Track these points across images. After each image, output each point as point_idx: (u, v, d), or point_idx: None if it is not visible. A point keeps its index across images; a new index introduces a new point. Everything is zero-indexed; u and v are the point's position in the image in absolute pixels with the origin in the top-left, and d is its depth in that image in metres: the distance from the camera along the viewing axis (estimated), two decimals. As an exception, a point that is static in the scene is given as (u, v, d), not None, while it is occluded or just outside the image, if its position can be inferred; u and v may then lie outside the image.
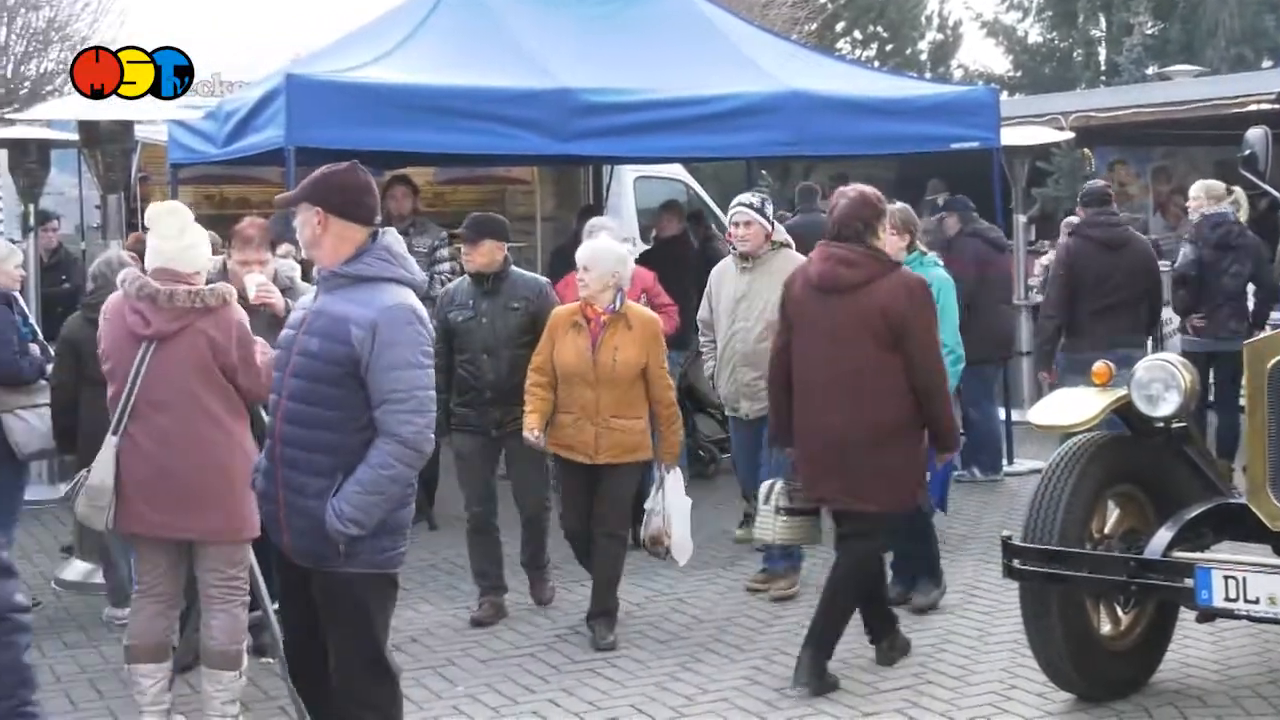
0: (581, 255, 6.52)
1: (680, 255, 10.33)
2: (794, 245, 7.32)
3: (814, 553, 7.38)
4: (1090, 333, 8.63)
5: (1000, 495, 9.52)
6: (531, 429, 6.45)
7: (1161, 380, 5.55)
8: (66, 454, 6.92)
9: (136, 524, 5.22)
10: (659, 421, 6.52)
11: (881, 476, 5.70)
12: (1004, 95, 16.81)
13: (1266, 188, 7.24)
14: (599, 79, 8.99)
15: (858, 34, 28.44)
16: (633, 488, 6.65)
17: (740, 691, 5.84)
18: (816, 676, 5.74)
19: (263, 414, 5.63)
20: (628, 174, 14.16)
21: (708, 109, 9.10)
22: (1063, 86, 24.02)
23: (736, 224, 7.18)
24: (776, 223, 7.38)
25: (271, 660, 5.88)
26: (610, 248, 6.58)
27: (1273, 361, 5.30)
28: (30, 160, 9.83)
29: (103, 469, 5.17)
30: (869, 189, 5.95)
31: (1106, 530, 5.61)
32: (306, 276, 7.07)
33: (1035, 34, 27.94)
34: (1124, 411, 5.68)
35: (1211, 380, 9.22)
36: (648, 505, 6.61)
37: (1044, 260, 11.99)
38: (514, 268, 6.97)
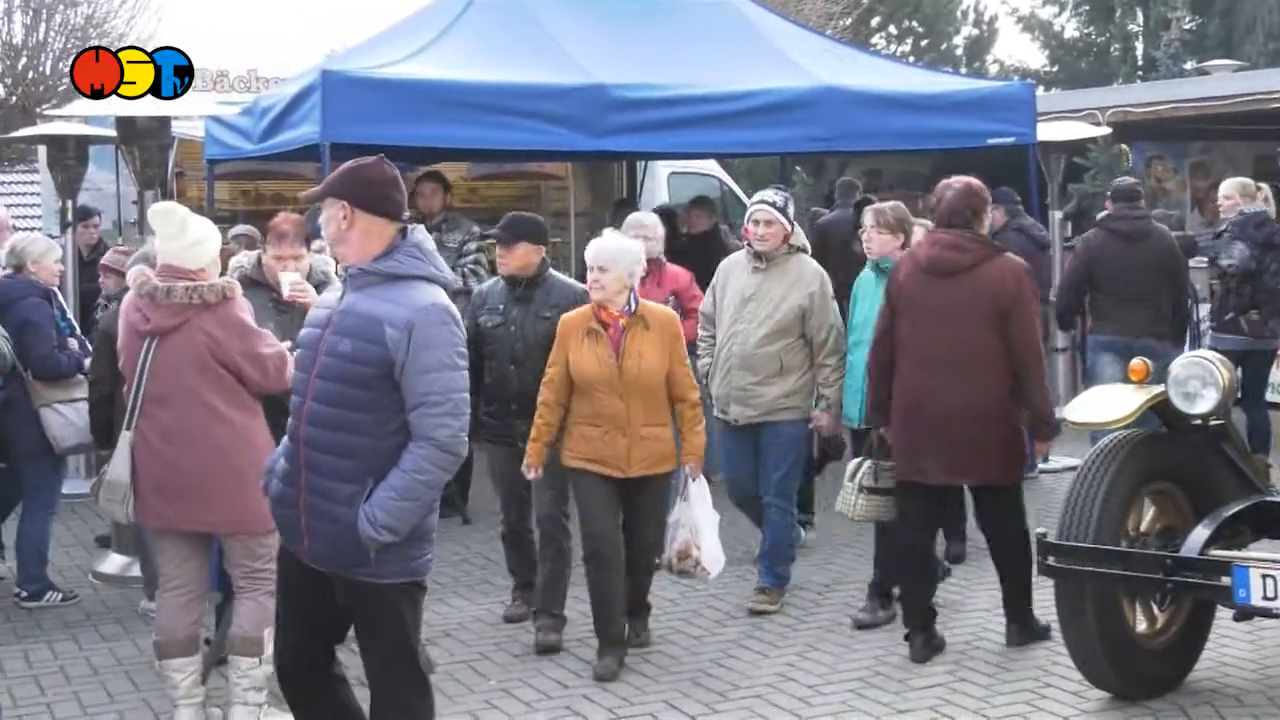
0: (597, 254, 6.03)
1: (711, 252, 10.30)
2: (822, 241, 7.27)
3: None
4: (1113, 319, 9.08)
5: (1035, 492, 9.44)
6: (531, 467, 6.10)
7: (1199, 377, 5.52)
8: (103, 448, 6.96)
9: (153, 517, 5.28)
10: (683, 422, 6.11)
11: (986, 453, 5.96)
12: (1040, 90, 16.70)
13: None
14: (633, 74, 8.99)
15: (893, 29, 28.36)
16: (666, 499, 6.29)
17: (773, 688, 5.84)
18: (1030, 638, 6.20)
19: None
20: (661, 170, 14.15)
21: (742, 104, 9.09)
22: (1100, 81, 23.87)
23: (757, 221, 6.83)
24: (796, 224, 7.07)
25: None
26: (628, 246, 6.14)
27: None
28: (68, 156, 9.90)
29: (119, 463, 5.24)
30: (974, 180, 6.23)
31: (1143, 528, 5.58)
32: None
33: (1072, 29, 27.79)
34: (1161, 409, 5.65)
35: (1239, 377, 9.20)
36: (671, 517, 6.20)
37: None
38: (553, 273, 6.60)
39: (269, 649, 5.26)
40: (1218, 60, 19.79)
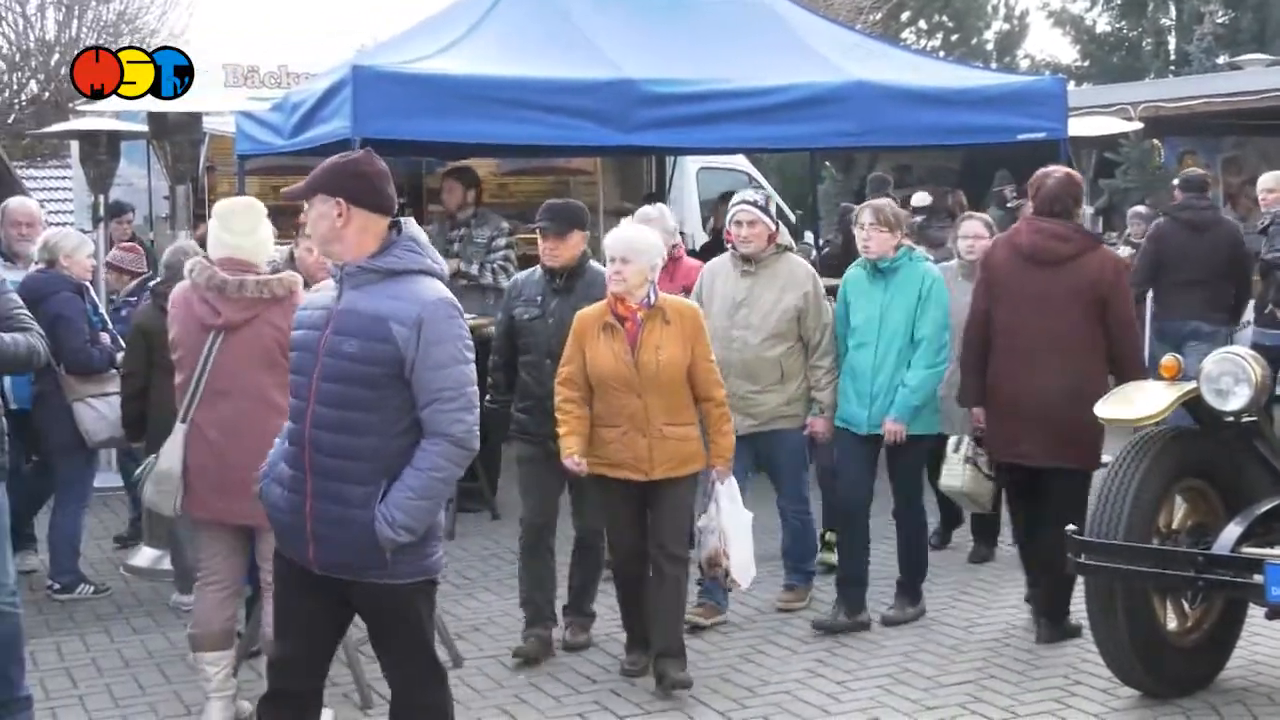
0: (617, 246, 5.70)
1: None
2: (853, 236, 7.10)
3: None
4: (1174, 305, 9.52)
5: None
6: (572, 454, 5.70)
7: (1231, 374, 5.49)
8: (134, 442, 7.00)
9: (200, 509, 5.30)
10: (709, 422, 5.79)
11: (1082, 436, 6.01)
12: (1071, 85, 16.58)
13: None
14: (662, 69, 8.98)
15: (923, 24, 28.28)
16: (691, 503, 5.92)
17: (802, 684, 5.83)
18: (1061, 635, 6.21)
19: None
20: (691, 165, 14.15)
21: (771, 99, 9.06)
22: (1131, 76, 23.74)
23: (739, 223, 6.55)
24: (780, 223, 6.86)
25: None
26: (649, 238, 5.84)
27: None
28: (100, 152, 9.95)
29: (171, 455, 5.25)
30: (1072, 170, 6.44)
31: (1174, 525, 5.55)
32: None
33: (1103, 23, 27.64)
34: (1193, 405, 5.62)
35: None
36: (700, 523, 5.93)
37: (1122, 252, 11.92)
38: (593, 263, 6.27)
39: None
40: (1250, 55, 19.65)
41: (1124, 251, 11.68)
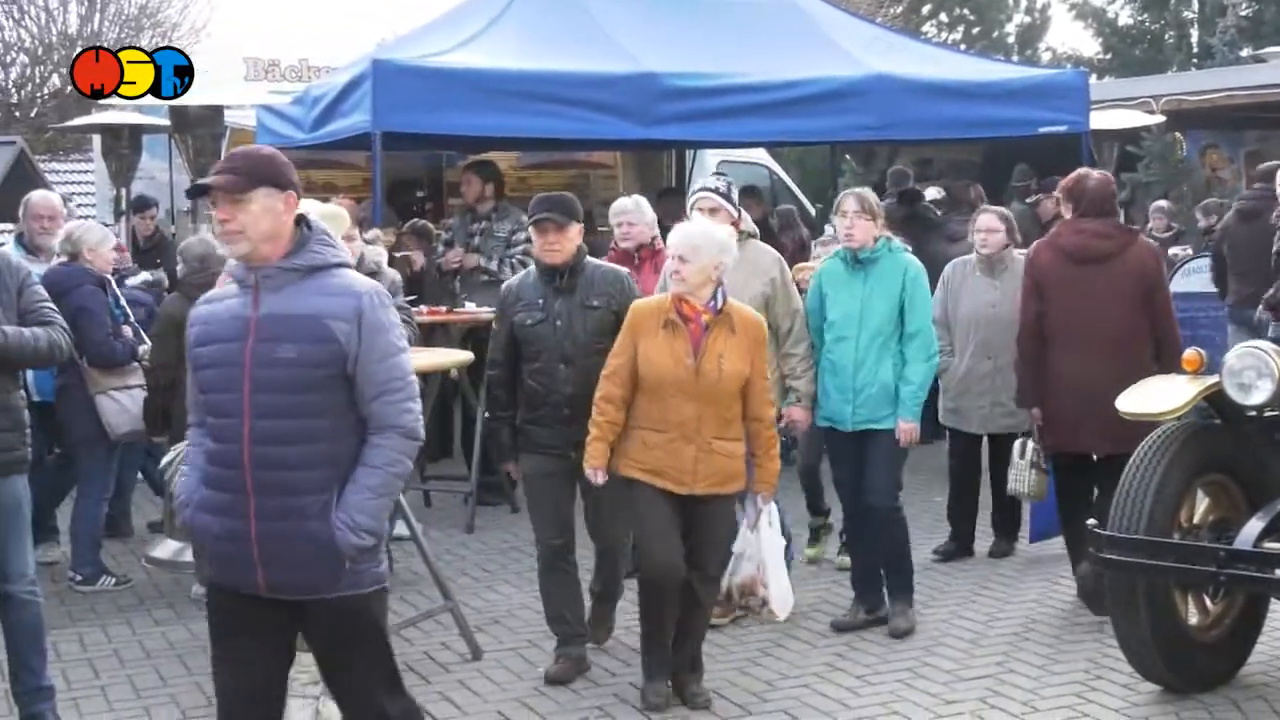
0: (677, 242, 5.40)
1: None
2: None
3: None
4: (1236, 292, 9.88)
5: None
6: (597, 467, 5.42)
7: (1254, 368, 5.46)
8: (156, 436, 7.03)
9: None
10: (757, 443, 5.48)
11: (1137, 423, 5.95)
12: (1093, 78, 16.51)
13: None
14: (682, 63, 8.98)
15: (944, 17, 28.18)
16: (731, 524, 5.61)
17: (821, 678, 5.83)
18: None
19: None
20: (711, 159, 14.12)
21: (792, 93, 9.07)
22: (1154, 69, 23.61)
23: (701, 210, 6.23)
24: (744, 210, 6.61)
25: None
26: (712, 233, 5.48)
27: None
28: (123, 145, 10.01)
29: None
30: (1106, 171, 6.83)
31: (1195, 520, 5.54)
32: (392, 263, 7.16)
33: (1125, 16, 27.49)
34: (1215, 399, 5.59)
35: None
36: (736, 548, 5.63)
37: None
38: (589, 258, 5.94)
39: None
40: (1274, 47, 19.52)
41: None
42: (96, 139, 11.94)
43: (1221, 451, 5.60)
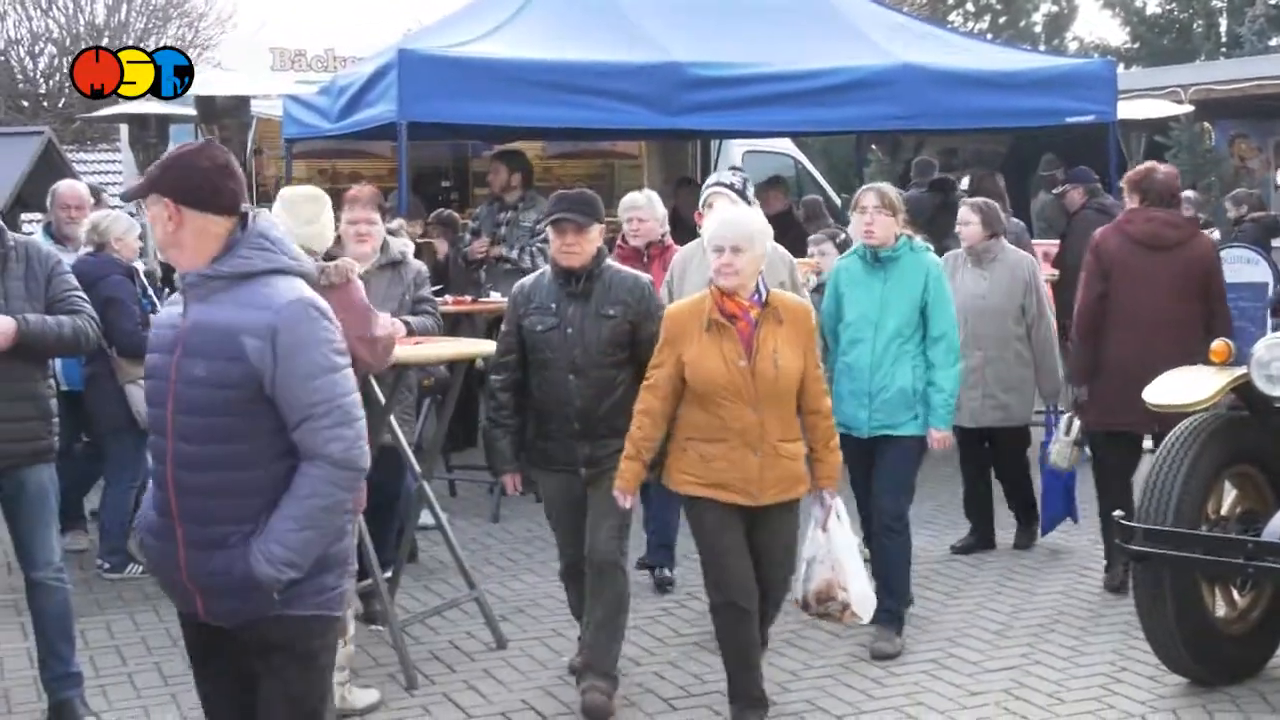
0: (725, 233, 4.95)
1: (785, 233, 10.27)
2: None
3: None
4: None
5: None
6: (626, 491, 5.03)
7: (1283, 359, 5.43)
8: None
9: None
10: (817, 436, 5.08)
11: None
12: (1121, 68, 16.45)
13: None
14: (707, 53, 8.98)
15: (970, 6, 28.06)
16: (795, 533, 5.25)
17: (846, 668, 5.82)
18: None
19: (376, 390, 5.71)
20: (736, 149, 14.12)
21: (818, 83, 9.05)
22: (1182, 59, 23.49)
23: (711, 206, 5.98)
24: (756, 205, 6.23)
25: (381, 628, 5.99)
26: (759, 221, 5.12)
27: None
28: (150, 135, 10.04)
29: None
30: (1171, 166, 7.05)
31: (1223, 511, 5.51)
32: (417, 253, 7.16)
33: (1153, 5, 27.34)
34: (1243, 391, 5.56)
35: None
36: (807, 553, 5.22)
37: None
38: (610, 261, 5.47)
39: (351, 629, 5.31)
40: (1304, 37, 19.43)
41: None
42: (124, 129, 11.98)
43: (1249, 443, 5.57)
